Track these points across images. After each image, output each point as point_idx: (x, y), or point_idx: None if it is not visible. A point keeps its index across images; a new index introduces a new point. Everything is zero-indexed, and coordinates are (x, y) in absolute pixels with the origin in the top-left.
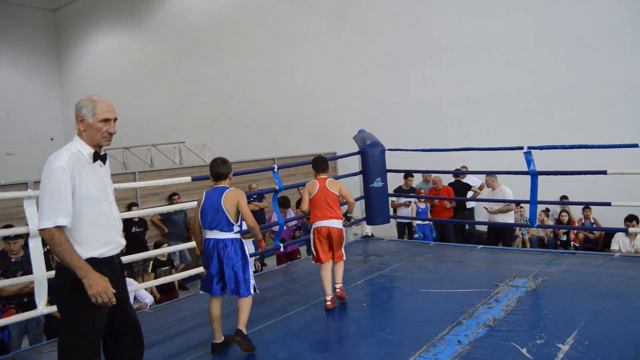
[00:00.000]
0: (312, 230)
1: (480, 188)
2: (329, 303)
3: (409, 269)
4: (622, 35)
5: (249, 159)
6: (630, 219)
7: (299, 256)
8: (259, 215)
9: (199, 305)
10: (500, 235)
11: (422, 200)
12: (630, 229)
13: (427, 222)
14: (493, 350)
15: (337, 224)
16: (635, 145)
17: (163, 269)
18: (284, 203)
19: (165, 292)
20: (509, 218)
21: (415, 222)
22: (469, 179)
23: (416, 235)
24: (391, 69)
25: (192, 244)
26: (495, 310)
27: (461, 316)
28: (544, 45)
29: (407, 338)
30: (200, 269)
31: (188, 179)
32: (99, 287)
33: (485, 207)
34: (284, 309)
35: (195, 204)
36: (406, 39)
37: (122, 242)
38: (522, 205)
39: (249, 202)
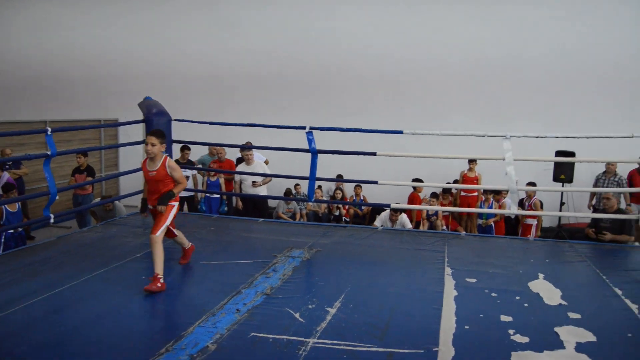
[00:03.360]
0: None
1: (265, 163)
2: None
3: (190, 241)
4: None
5: (14, 119)
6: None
7: None
8: (18, 183)
9: None
10: (258, 207)
11: (213, 173)
12: (393, 205)
13: (216, 195)
14: (269, 317)
15: None
16: (400, 132)
17: None
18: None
19: None
20: (265, 191)
21: (204, 195)
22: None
23: (199, 207)
24: (183, 39)
25: None
26: (272, 279)
27: (240, 286)
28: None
29: (187, 309)
30: None
31: None
32: None
33: (253, 181)
34: (56, 284)
35: None
36: (195, 15)
37: None
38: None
39: (4, 170)
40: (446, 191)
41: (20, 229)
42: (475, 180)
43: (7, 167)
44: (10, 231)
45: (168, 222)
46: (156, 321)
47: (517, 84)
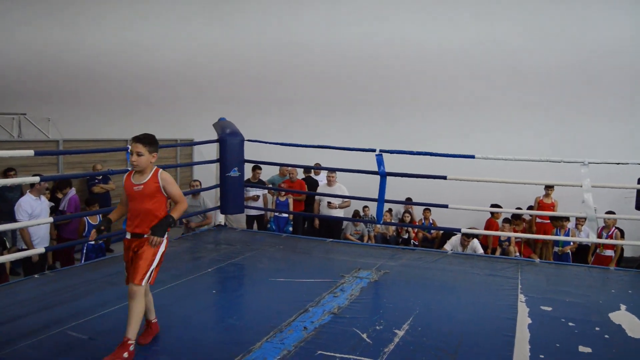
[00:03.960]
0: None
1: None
2: None
3: (259, 259)
4: None
5: (99, 138)
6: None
7: None
8: (104, 197)
9: (33, 290)
10: (333, 229)
11: (283, 193)
12: (464, 230)
13: (285, 214)
14: (336, 336)
15: None
16: (472, 157)
17: None
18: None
19: None
20: (341, 213)
21: (273, 214)
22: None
23: (268, 226)
24: (254, 63)
25: (25, 223)
26: (340, 299)
27: (308, 304)
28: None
29: (255, 324)
30: (34, 251)
31: (30, 152)
32: None
33: (328, 202)
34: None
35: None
36: (272, 39)
37: None
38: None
39: (93, 184)
40: (518, 217)
41: (100, 241)
42: (552, 207)
43: (97, 181)
44: (91, 243)
45: (155, 264)
46: (225, 334)
47: (595, 109)
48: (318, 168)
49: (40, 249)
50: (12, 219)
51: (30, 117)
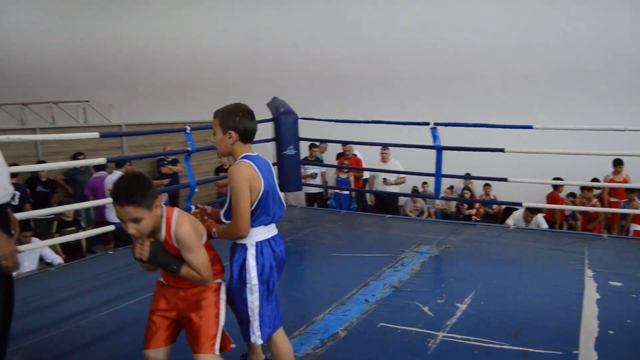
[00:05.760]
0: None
1: None
2: None
3: (320, 235)
4: None
5: (158, 121)
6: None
7: None
8: (172, 178)
9: (108, 264)
10: (388, 205)
11: (345, 170)
12: (525, 204)
13: (346, 192)
14: (398, 308)
15: None
16: (530, 127)
17: (68, 229)
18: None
19: (72, 254)
20: (397, 189)
21: (334, 191)
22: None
23: (328, 203)
24: (306, 41)
25: (96, 202)
26: (400, 273)
27: (368, 278)
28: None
29: (318, 297)
30: (107, 228)
31: (96, 134)
32: (6, 250)
33: (384, 178)
34: None
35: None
36: (318, 17)
37: (11, 189)
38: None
39: (162, 165)
40: (585, 190)
41: None
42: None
43: (166, 162)
44: None
45: (222, 322)
46: (289, 307)
47: None
48: (372, 144)
49: (110, 227)
50: (84, 200)
51: (94, 104)
